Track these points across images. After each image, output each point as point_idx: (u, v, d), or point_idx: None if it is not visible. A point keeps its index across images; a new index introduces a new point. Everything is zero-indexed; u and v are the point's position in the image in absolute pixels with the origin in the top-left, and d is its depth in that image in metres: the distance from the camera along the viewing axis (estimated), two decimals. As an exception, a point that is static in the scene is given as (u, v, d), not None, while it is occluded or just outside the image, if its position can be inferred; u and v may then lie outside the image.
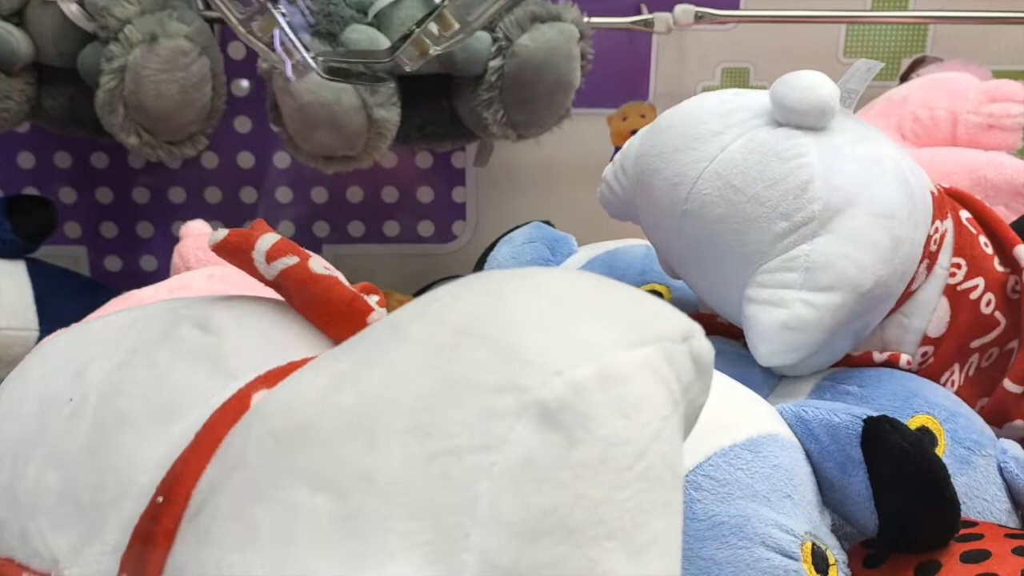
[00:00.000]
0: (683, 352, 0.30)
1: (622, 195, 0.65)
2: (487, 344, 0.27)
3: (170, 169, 1.01)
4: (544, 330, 0.28)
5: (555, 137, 0.91)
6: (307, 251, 0.36)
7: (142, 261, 1.04)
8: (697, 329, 0.32)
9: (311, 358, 0.31)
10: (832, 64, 0.99)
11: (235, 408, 0.29)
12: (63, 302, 0.86)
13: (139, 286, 0.82)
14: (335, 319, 0.34)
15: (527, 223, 0.81)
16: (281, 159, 1.02)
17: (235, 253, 0.35)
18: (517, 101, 0.84)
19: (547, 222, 0.85)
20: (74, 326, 0.40)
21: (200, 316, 0.33)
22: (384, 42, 0.82)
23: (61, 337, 0.38)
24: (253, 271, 0.35)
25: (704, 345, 0.32)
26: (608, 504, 0.26)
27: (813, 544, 0.43)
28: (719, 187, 0.57)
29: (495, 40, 0.83)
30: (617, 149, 1.04)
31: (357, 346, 0.30)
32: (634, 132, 1.03)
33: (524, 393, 0.26)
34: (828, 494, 0.47)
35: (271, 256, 0.34)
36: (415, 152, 1.02)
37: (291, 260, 0.34)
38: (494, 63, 0.83)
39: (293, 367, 0.30)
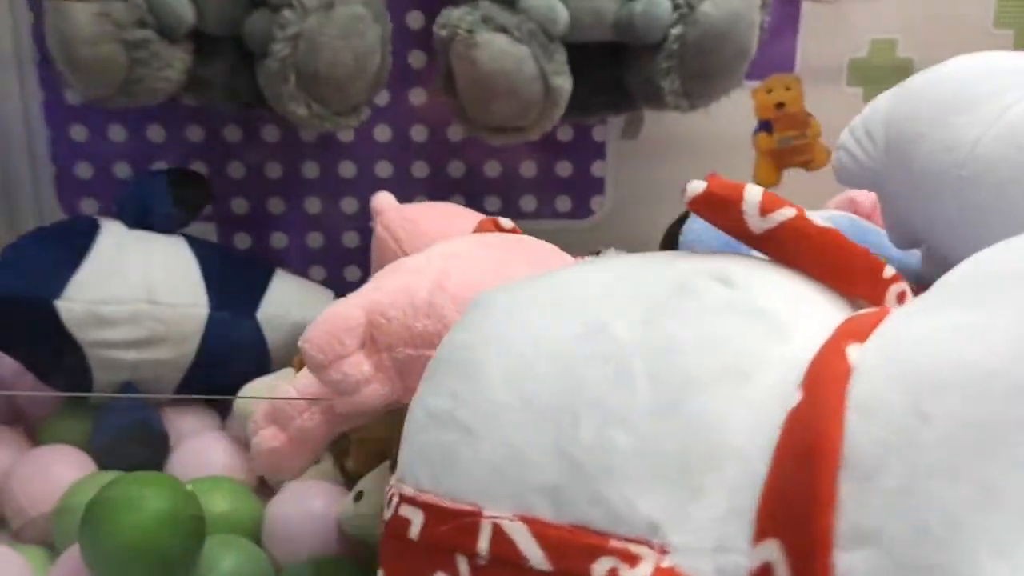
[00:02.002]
0: None
1: (868, 163, 0.63)
2: None
3: (303, 143, 0.99)
4: None
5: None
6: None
7: (272, 238, 1.02)
8: None
9: (869, 312, 0.29)
10: (981, 35, 0.98)
11: (831, 364, 0.27)
12: (228, 277, 0.84)
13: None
14: (849, 272, 0.32)
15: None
16: (418, 132, 0.99)
17: (720, 205, 0.33)
18: (696, 71, 0.82)
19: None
20: (499, 290, 0.37)
21: (713, 271, 0.32)
22: (562, 10, 0.80)
23: (501, 298, 0.35)
24: (737, 224, 0.33)
25: None
26: None
27: None
28: (1006, 150, 0.55)
29: (676, 7, 0.81)
30: (762, 122, 1.03)
31: (958, 295, 0.28)
32: (779, 105, 1.03)
33: None
34: None
35: (766, 208, 0.32)
36: (556, 125, 1.00)
37: (790, 212, 0.32)
38: (675, 31, 0.81)
39: (864, 321, 0.29)
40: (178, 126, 0.97)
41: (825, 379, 0.26)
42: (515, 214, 1.03)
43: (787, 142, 1.03)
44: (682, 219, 0.80)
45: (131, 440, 0.79)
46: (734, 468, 0.27)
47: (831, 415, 0.25)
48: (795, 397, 0.27)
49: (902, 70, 1.00)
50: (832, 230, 0.32)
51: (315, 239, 1.02)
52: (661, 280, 0.32)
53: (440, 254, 0.56)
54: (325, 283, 0.98)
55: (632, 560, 0.27)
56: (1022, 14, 0.98)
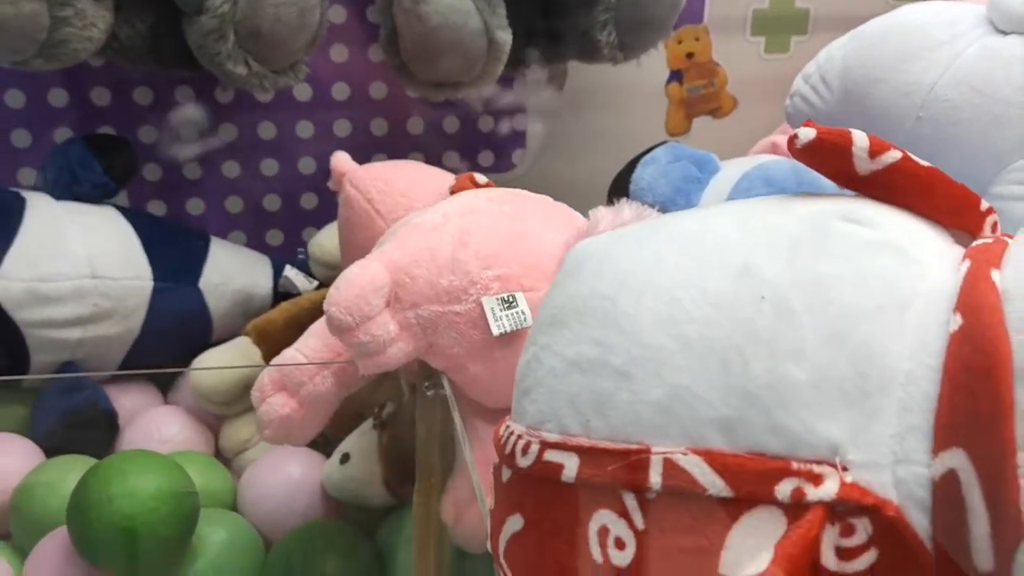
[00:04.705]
0: None
1: (824, 108, 0.68)
2: None
3: (219, 104, 0.95)
4: None
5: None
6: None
7: (188, 204, 0.97)
8: None
9: (987, 241, 0.32)
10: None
11: (983, 289, 0.29)
12: (167, 246, 0.80)
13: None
14: (953, 206, 0.35)
15: (659, 144, 0.82)
16: (339, 90, 0.97)
17: (829, 151, 0.35)
18: (633, 23, 0.84)
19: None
20: (604, 241, 0.37)
21: (839, 212, 0.34)
22: None
23: (619, 249, 0.35)
24: (845, 168, 0.35)
25: None
26: None
27: None
28: (962, 92, 0.60)
29: (614, -40, 0.82)
30: (673, 72, 1.07)
31: None
32: (689, 55, 1.07)
33: None
34: None
35: (875, 151, 0.35)
36: (478, 79, 1.00)
37: (897, 154, 0.35)
38: (614, -16, 0.83)
39: (991, 249, 0.32)
40: (82, 89, 0.91)
41: (981, 303, 0.29)
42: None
43: (696, 91, 1.07)
44: (630, 167, 0.82)
45: (79, 422, 0.75)
46: (905, 389, 0.30)
47: (999, 335, 0.28)
48: (955, 321, 0.30)
49: (800, 20, 1.05)
50: (935, 168, 0.36)
51: (234, 203, 0.99)
52: (790, 223, 0.34)
53: (456, 211, 0.56)
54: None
55: (816, 479, 0.29)
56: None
